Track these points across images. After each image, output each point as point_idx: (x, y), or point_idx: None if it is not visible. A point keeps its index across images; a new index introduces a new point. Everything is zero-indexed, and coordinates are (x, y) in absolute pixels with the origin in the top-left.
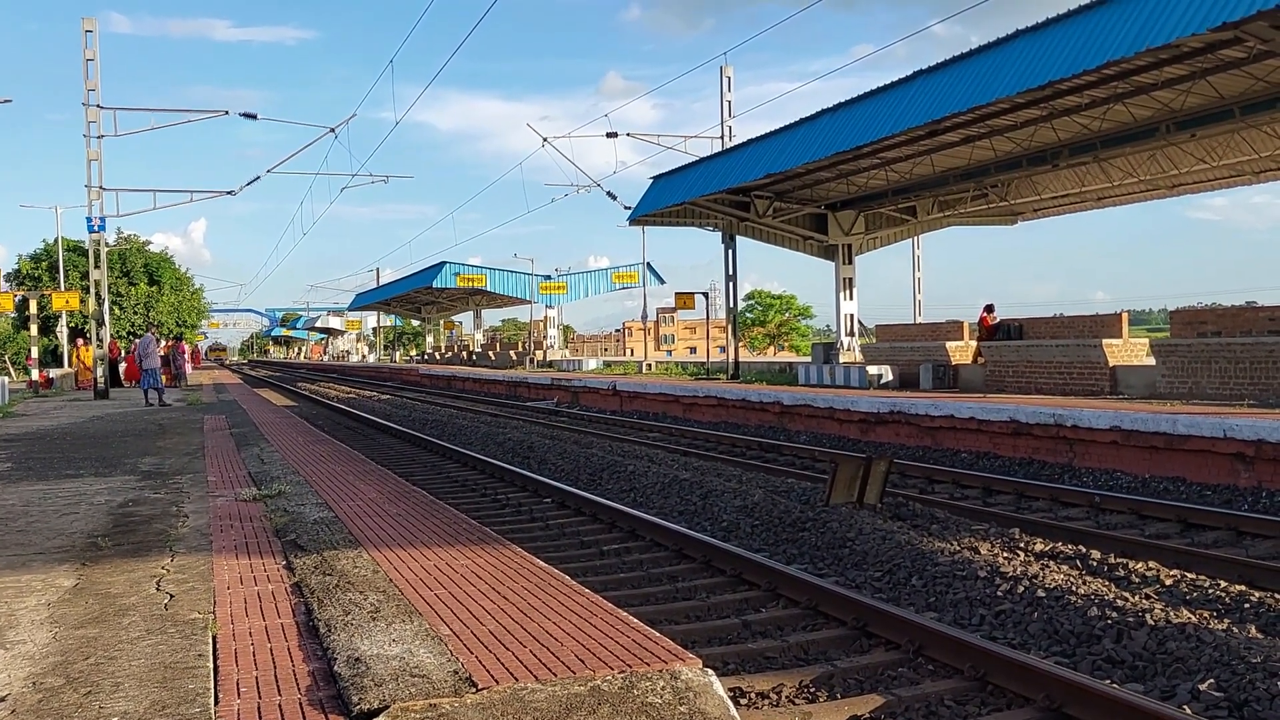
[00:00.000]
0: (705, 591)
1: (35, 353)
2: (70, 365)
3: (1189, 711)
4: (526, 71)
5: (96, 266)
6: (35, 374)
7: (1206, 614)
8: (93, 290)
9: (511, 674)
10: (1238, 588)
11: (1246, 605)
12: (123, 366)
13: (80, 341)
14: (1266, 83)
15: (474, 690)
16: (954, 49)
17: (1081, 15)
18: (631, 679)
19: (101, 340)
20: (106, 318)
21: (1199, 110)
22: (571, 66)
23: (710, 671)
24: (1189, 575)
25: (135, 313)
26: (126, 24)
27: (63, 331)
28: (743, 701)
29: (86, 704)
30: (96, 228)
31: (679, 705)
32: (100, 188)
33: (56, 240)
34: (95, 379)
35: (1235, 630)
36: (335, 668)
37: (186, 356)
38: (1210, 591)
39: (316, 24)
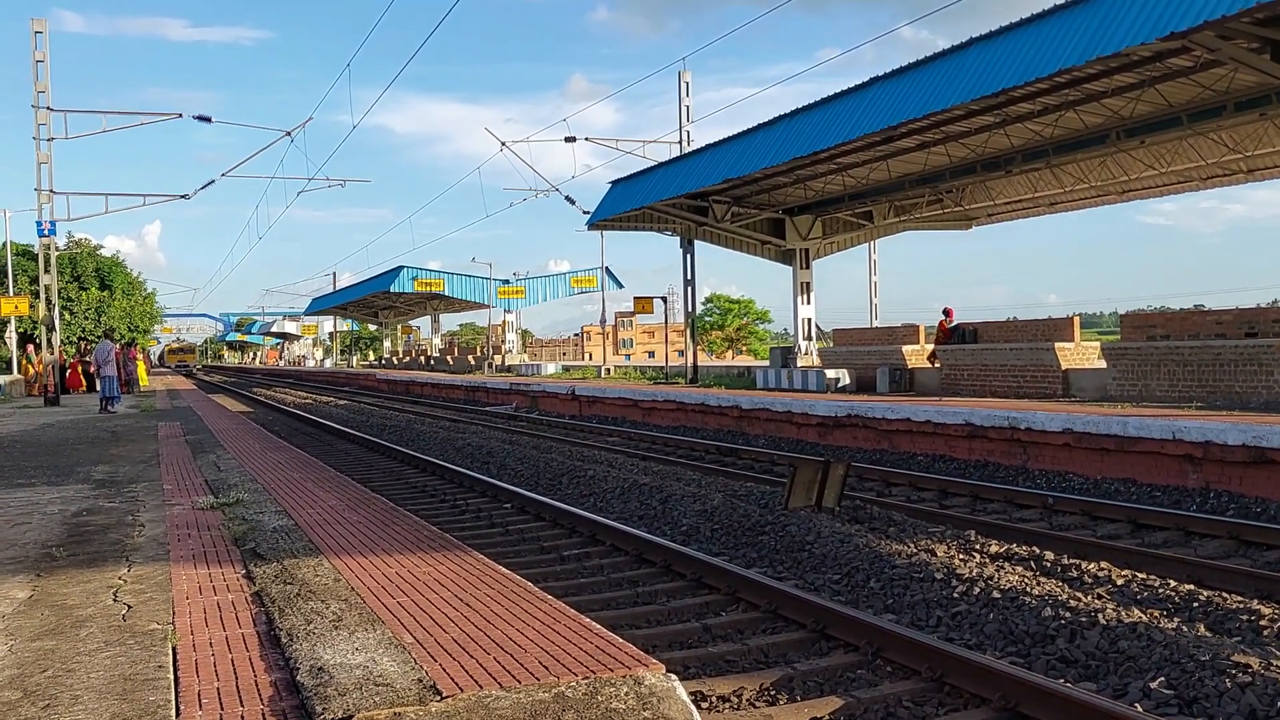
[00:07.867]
0: (666, 596)
1: None
2: (20, 372)
3: (1140, 709)
4: (489, 75)
5: (46, 271)
6: None
7: (1157, 613)
8: (43, 295)
9: (476, 681)
10: (1187, 587)
11: (1195, 604)
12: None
13: (31, 348)
14: (1213, 91)
15: (438, 698)
16: (920, 53)
17: (1034, 24)
18: (595, 685)
19: (53, 346)
20: (57, 323)
21: (1148, 117)
22: (537, 69)
23: (673, 676)
24: (1140, 575)
25: (86, 318)
26: (79, 22)
27: (11, 337)
28: (704, 705)
29: (45, 717)
30: (46, 232)
31: (643, 710)
32: (50, 191)
33: (5, 244)
34: (47, 386)
35: (1185, 629)
36: (298, 677)
37: (139, 361)
38: (1160, 591)
39: (273, 25)
